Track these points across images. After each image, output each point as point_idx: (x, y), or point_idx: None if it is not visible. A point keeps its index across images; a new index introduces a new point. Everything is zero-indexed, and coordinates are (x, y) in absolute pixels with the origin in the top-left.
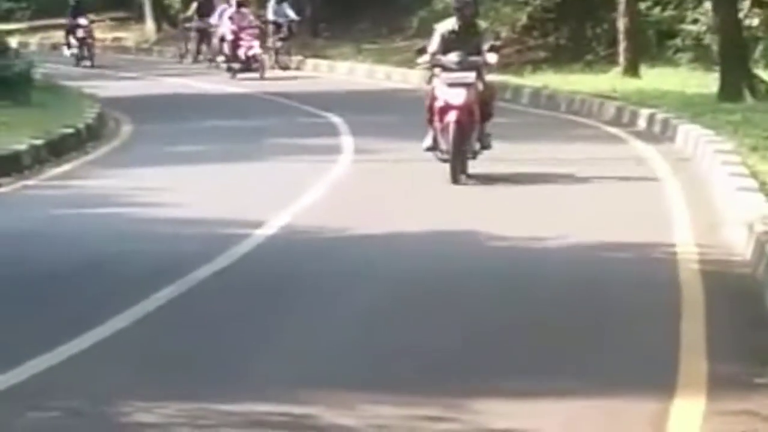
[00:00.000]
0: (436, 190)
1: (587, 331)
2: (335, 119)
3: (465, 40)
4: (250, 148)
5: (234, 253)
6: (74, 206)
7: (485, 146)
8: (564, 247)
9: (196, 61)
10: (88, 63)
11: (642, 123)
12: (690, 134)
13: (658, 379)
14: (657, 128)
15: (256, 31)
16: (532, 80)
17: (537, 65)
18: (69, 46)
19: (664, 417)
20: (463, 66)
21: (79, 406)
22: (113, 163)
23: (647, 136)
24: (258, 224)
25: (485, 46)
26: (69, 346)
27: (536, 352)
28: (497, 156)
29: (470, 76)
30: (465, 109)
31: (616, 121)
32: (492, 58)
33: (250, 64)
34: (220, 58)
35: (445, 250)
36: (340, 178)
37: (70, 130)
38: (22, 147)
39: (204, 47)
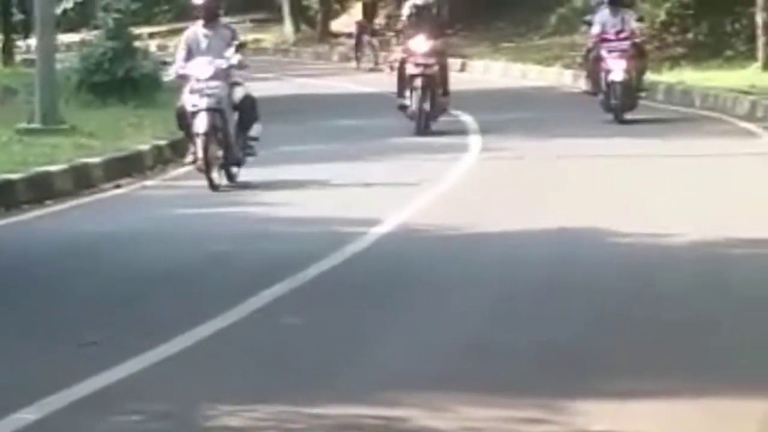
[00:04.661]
0: (560, 190)
1: (705, 329)
2: (466, 117)
3: None
4: (374, 147)
5: (346, 251)
6: (191, 206)
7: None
8: (687, 242)
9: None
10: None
11: None
12: None
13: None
14: None
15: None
16: (669, 76)
17: (675, 61)
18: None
19: None
20: None
21: (164, 409)
22: None
23: None
24: (374, 222)
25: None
26: (167, 347)
27: (647, 348)
28: (624, 152)
29: None
30: None
31: (750, 117)
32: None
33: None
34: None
35: (563, 247)
36: (463, 177)
37: None
38: (145, 147)
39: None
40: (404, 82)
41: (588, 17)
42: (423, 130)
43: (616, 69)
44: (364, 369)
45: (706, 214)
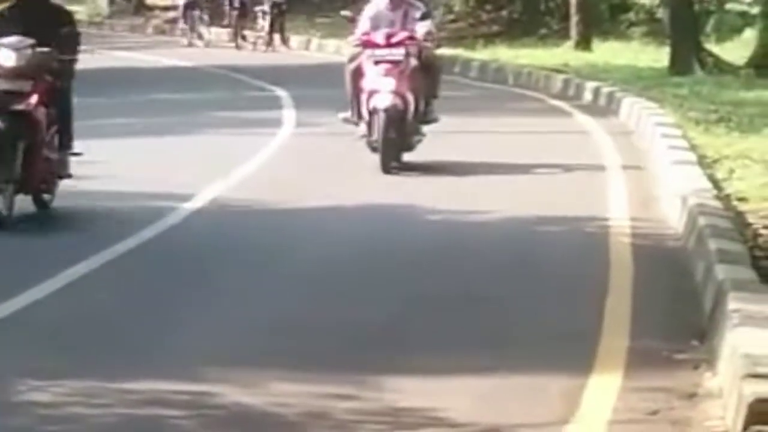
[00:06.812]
0: (374, 165)
1: (512, 306)
2: (280, 92)
3: None
4: (188, 121)
5: (158, 226)
6: None
7: None
8: (499, 220)
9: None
10: None
11: (588, 96)
12: (634, 107)
13: (576, 355)
14: (602, 101)
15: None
16: (483, 54)
17: (490, 39)
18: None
19: (579, 393)
20: None
21: None
22: None
23: (592, 109)
24: (187, 197)
25: None
26: None
27: (456, 326)
28: (438, 129)
29: None
30: None
31: (562, 95)
32: None
33: None
34: None
35: (378, 224)
36: (276, 152)
37: None
38: None
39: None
40: None
41: (347, 13)
42: (8, 212)
43: (382, 90)
44: (174, 345)
45: (518, 192)
